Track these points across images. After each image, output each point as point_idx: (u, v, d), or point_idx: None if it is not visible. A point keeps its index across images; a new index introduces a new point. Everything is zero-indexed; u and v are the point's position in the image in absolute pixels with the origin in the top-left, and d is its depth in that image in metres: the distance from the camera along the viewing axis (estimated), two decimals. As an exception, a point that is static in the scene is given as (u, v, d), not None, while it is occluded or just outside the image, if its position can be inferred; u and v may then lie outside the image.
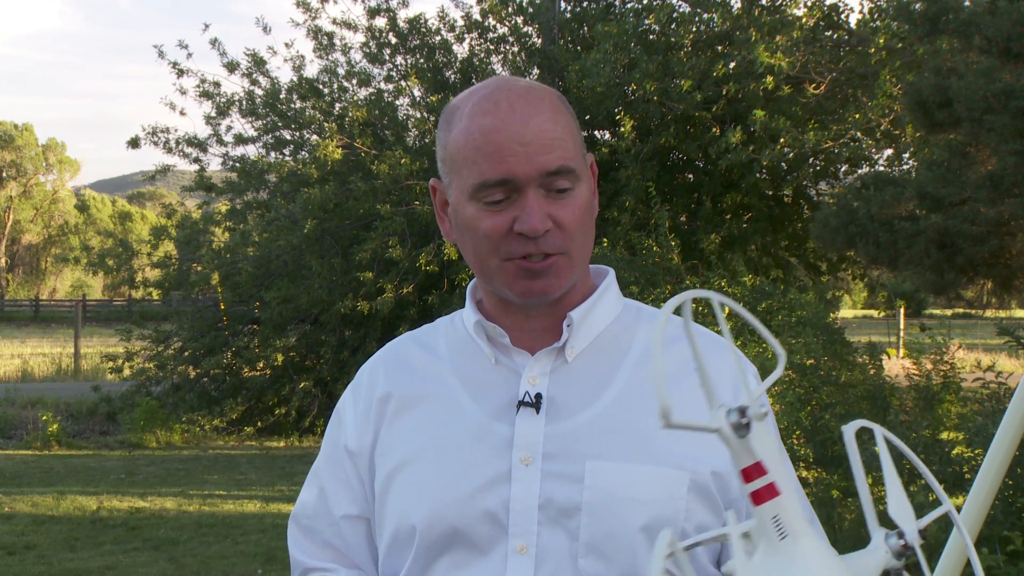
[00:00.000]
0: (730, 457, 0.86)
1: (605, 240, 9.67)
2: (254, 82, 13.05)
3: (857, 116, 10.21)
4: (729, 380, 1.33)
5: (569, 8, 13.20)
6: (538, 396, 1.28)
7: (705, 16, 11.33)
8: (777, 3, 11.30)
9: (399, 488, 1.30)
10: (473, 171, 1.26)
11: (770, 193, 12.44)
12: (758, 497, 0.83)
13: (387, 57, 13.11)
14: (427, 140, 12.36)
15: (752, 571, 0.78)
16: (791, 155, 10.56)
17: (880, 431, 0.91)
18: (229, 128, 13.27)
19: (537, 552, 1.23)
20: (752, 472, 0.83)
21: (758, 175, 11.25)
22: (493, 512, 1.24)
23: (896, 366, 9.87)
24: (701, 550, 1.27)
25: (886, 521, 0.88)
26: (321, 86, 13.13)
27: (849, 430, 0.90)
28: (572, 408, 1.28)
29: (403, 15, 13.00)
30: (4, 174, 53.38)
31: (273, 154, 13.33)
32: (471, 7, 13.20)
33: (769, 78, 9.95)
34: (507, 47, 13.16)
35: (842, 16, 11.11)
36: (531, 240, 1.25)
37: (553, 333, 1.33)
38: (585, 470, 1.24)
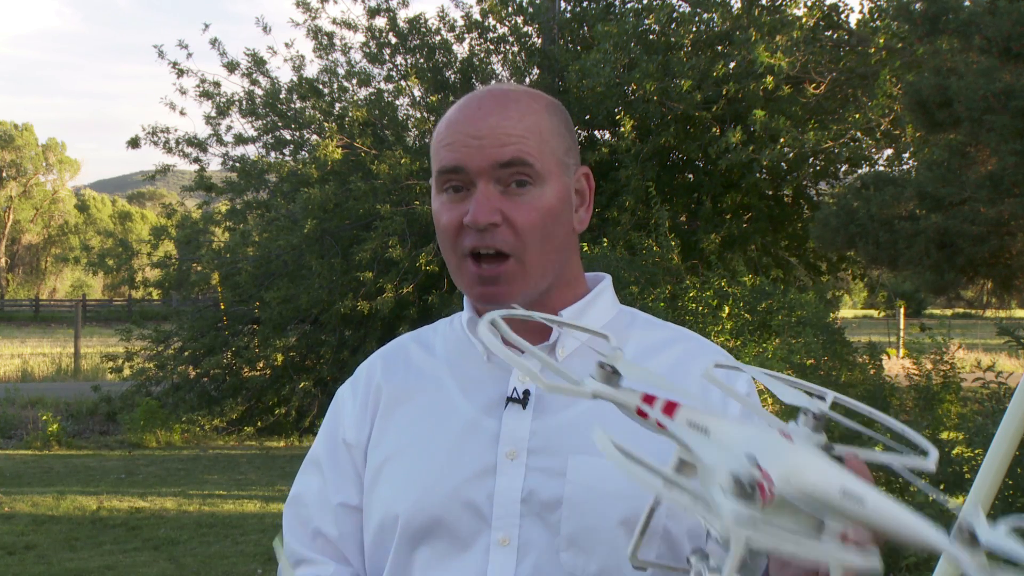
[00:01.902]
0: (623, 412, 0.87)
1: (605, 240, 9.68)
2: (254, 82, 13.05)
3: (857, 116, 10.21)
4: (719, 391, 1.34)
5: (569, 8, 13.20)
6: (526, 393, 1.30)
7: (705, 16, 11.33)
8: (777, 3, 11.30)
9: (387, 479, 1.32)
10: (435, 161, 1.32)
11: (770, 193, 12.44)
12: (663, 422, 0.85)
13: (387, 57, 13.11)
14: (427, 140, 12.35)
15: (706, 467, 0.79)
16: (791, 155, 10.56)
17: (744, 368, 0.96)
18: (229, 128, 13.28)
19: (519, 545, 1.24)
20: (643, 408, 0.85)
21: (758, 175, 11.25)
22: (477, 504, 1.26)
23: (896, 366, 9.87)
24: (683, 536, 1.28)
25: None
26: (321, 86, 13.12)
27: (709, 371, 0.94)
28: (558, 405, 1.30)
29: (403, 15, 13.01)
30: (4, 174, 53.38)
31: (273, 154, 13.33)
32: (471, 7, 13.21)
33: (769, 78, 9.95)
34: (507, 47, 13.16)
35: (842, 16, 11.11)
36: (478, 233, 1.26)
37: (543, 333, 1.34)
38: (568, 465, 1.25)
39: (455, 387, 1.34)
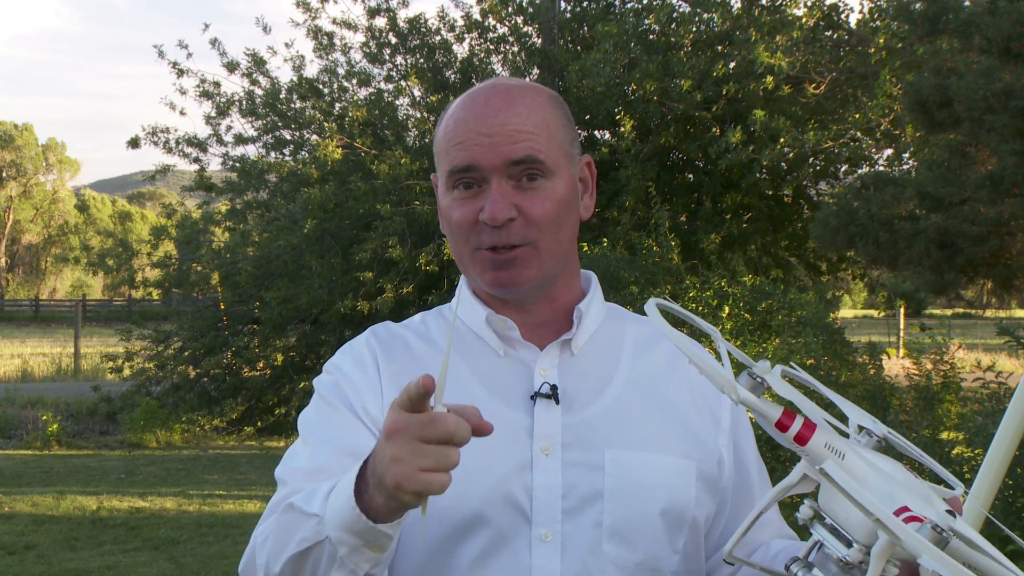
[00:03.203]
0: (761, 421, 0.90)
1: (605, 240, 9.67)
2: (254, 82, 13.04)
3: (857, 116, 10.20)
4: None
5: (569, 8, 13.19)
6: (554, 387, 1.30)
7: (705, 16, 11.32)
8: (777, 3, 11.29)
9: None
10: (445, 160, 1.32)
11: (770, 193, 12.43)
12: (802, 438, 0.88)
13: (387, 57, 13.10)
14: (427, 140, 12.36)
15: (847, 484, 0.84)
16: (791, 155, 10.55)
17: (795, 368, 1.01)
18: (229, 128, 13.27)
19: (563, 540, 1.25)
20: (785, 421, 0.89)
21: (758, 175, 11.24)
22: (517, 500, 1.26)
23: (896, 366, 9.87)
24: (702, 523, 1.32)
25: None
26: (321, 86, 13.12)
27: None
28: (583, 399, 1.31)
29: (403, 15, 13.01)
30: (4, 174, 53.37)
31: (273, 154, 13.32)
32: (471, 7, 13.21)
33: (769, 78, 9.95)
34: (507, 47, 13.15)
35: (842, 16, 11.11)
36: (495, 230, 1.28)
37: (549, 328, 1.36)
38: (605, 458, 1.27)
39: (473, 380, 1.33)
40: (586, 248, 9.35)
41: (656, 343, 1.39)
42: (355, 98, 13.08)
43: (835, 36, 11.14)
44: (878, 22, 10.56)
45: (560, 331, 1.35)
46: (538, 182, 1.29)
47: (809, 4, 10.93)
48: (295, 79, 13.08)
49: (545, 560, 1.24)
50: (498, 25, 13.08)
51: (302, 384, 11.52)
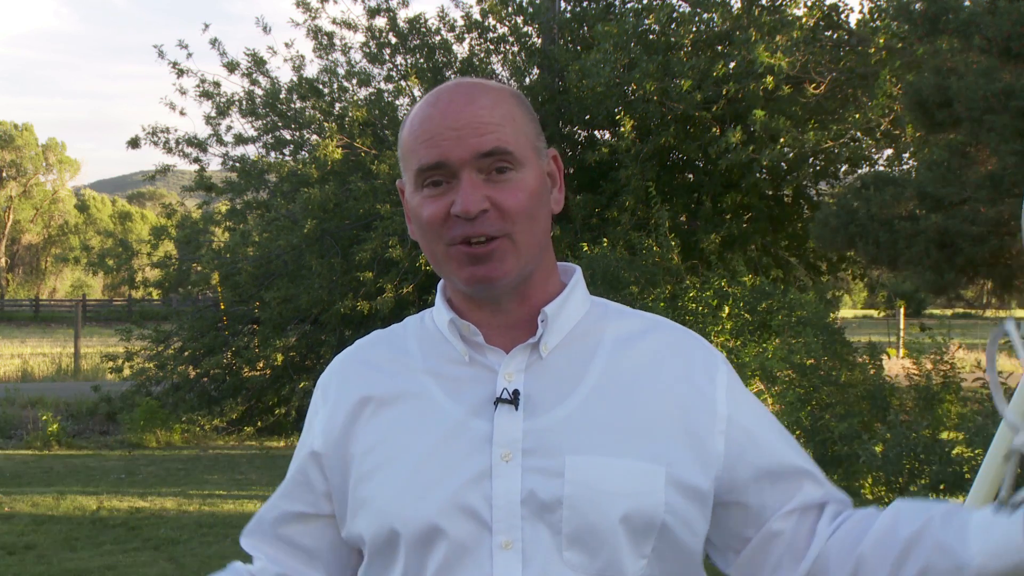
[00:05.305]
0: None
1: (605, 240, 9.68)
2: (254, 82, 13.05)
3: (857, 116, 10.21)
4: (704, 374, 1.34)
5: (569, 8, 13.20)
6: (515, 393, 1.28)
7: (705, 16, 11.33)
8: (777, 3, 11.29)
9: (376, 490, 1.29)
10: (413, 160, 1.31)
11: (770, 193, 12.44)
12: None
13: (387, 57, 13.11)
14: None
15: None
16: (791, 155, 10.56)
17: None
18: (229, 128, 13.28)
19: (523, 547, 1.23)
20: None
21: (758, 175, 11.24)
22: (476, 509, 1.24)
23: (896, 366, 9.87)
24: (692, 544, 1.29)
25: None
26: (321, 86, 13.13)
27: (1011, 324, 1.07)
28: (548, 404, 1.29)
29: (403, 15, 13.02)
30: (4, 174, 53.38)
31: (273, 154, 13.33)
32: (471, 7, 13.21)
33: (769, 78, 9.95)
34: (507, 47, 13.16)
35: (842, 16, 11.11)
36: (468, 222, 1.26)
37: (523, 329, 1.33)
38: (565, 464, 1.25)
39: (437, 389, 1.32)
40: (586, 248, 9.35)
41: (638, 339, 1.36)
42: (355, 98, 13.09)
43: (835, 36, 11.14)
44: (878, 22, 10.56)
45: (533, 332, 1.33)
46: (509, 174, 1.28)
47: (809, 4, 10.93)
48: (295, 79, 13.09)
49: (506, 569, 1.23)
50: (498, 25, 13.09)
51: (302, 384, 11.51)
